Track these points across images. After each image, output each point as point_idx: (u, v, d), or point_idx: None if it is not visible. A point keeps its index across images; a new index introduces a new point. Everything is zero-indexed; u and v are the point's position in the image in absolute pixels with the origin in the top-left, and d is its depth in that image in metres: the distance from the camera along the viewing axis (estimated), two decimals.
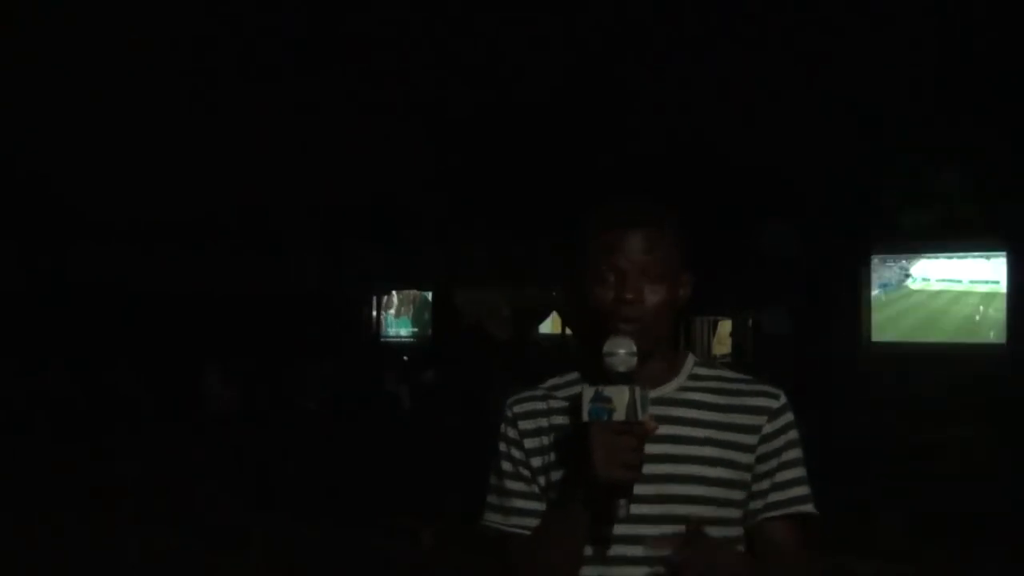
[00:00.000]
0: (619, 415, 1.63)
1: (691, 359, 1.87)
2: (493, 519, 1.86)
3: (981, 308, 13.44)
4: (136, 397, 14.60)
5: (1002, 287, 13.22)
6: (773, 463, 1.80)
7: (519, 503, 1.83)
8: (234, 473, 9.99)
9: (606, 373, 1.67)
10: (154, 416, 13.92)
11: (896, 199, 13.59)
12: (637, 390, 1.65)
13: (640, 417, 1.64)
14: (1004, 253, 13.15)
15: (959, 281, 13.69)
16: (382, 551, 7.37)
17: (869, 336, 13.98)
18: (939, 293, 13.84)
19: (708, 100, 12.01)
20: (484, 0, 11.09)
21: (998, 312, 13.24)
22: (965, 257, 13.56)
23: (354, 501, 8.52)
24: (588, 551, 1.74)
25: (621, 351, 1.67)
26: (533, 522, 1.81)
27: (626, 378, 1.66)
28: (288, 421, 13.57)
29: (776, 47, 11.27)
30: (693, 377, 1.84)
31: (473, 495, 1.91)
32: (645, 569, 1.73)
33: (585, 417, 1.65)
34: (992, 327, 13.30)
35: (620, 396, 1.64)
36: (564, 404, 1.84)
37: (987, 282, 13.46)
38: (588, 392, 1.66)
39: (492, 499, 1.87)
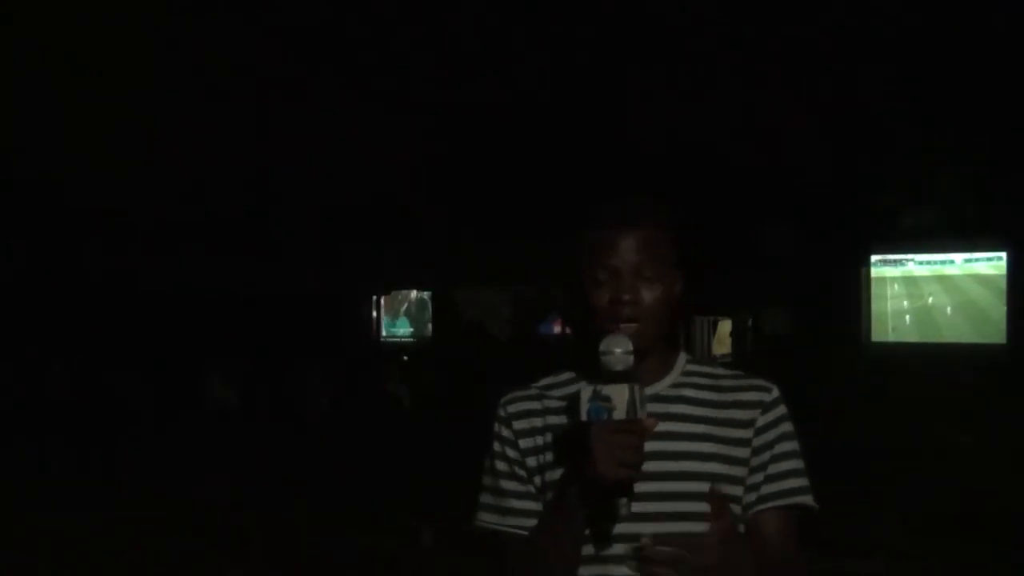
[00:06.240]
0: (619, 414, 1.63)
1: (683, 356, 1.87)
2: (488, 519, 1.86)
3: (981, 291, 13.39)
4: (136, 397, 14.61)
5: (995, 265, 13.21)
6: (766, 456, 1.80)
7: (515, 503, 1.83)
8: (234, 473, 10.00)
9: (603, 372, 1.67)
10: (154, 416, 13.93)
11: (896, 199, 13.59)
12: (637, 388, 1.65)
13: (640, 415, 1.64)
14: (1004, 253, 13.15)
15: (952, 262, 13.66)
16: (382, 551, 7.37)
17: (869, 336, 13.97)
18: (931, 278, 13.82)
19: (707, 100, 12.01)
20: (485, 0, 11.09)
21: (997, 297, 13.19)
22: (967, 253, 13.54)
23: (354, 501, 8.53)
24: (587, 550, 1.74)
25: (618, 350, 1.67)
26: (529, 522, 1.81)
27: (624, 377, 1.66)
28: (288, 421, 13.58)
29: (775, 46, 11.27)
30: (686, 374, 1.85)
31: (472, 495, 1.92)
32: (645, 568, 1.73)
33: (584, 416, 1.65)
34: (992, 316, 13.27)
35: (620, 395, 1.64)
36: (559, 403, 1.84)
37: (980, 260, 13.42)
38: (586, 391, 1.66)
39: (486, 499, 1.87)
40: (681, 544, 1.62)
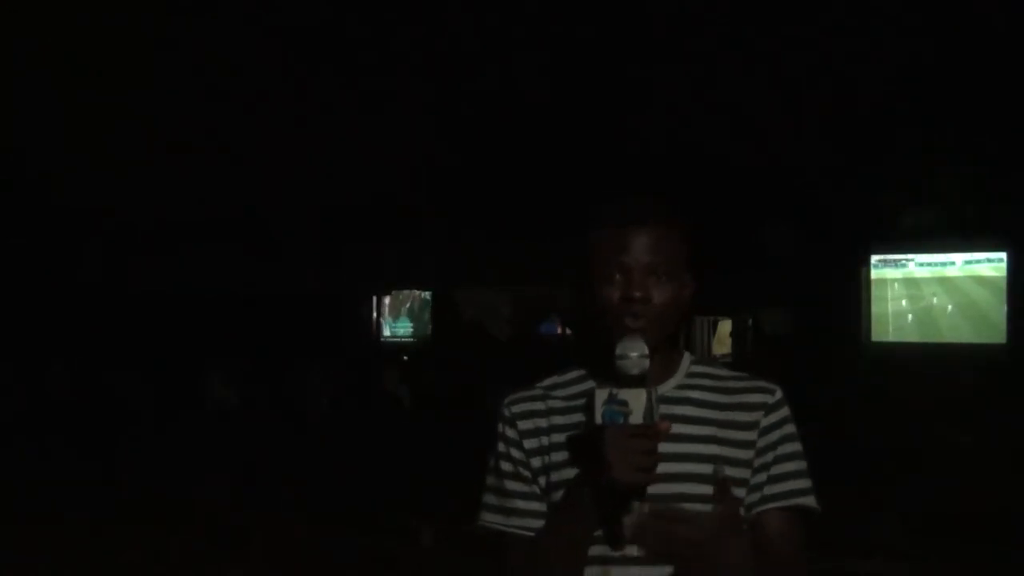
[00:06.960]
0: (635, 418, 1.62)
1: (687, 357, 1.86)
2: (493, 519, 1.85)
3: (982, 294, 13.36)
4: (136, 397, 14.60)
5: (995, 267, 13.20)
6: (769, 457, 1.80)
7: (520, 504, 1.82)
8: (234, 473, 9.99)
9: (617, 376, 1.66)
10: (154, 416, 13.93)
11: (896, 199, 13.58)
12: (653, 393, 1.64)
13: (655, 420, 1.64)
14: (1004, 254, 13.14)
15: (952, 263, 13.64)
16: (382, 551, 7.37)
17: (869, 336, 13.97)
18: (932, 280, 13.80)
19: (708, 100, 12.01)
20: (486, 0, 11.09)
21: (997, 299, 13.17)
22: (967, 253, 13.53)
23: (354, 501, 8.52)
24: (594, 551, 1.74)
25: (634, 354, 1.66)
26: (534, 523, 1.80)
27: (639, 380, 1.65)
28: (288, 421, 13.57)
29: (775, 46, 11.27)
30: (690, 375, 1.84)
31: (473, 495, 1.91)
32: (652, 569, 1.73)
33: (599, 420, 1.64)
34: (992, 318, 13.25)
35: (637, 400, 1.63)
36: (563, 404, 1.83)
37: (981, 261, 13.39)
38: (601, 395, 1.65)
39: (490, 499, 1.87)
40: (676, 518, 1.62)
